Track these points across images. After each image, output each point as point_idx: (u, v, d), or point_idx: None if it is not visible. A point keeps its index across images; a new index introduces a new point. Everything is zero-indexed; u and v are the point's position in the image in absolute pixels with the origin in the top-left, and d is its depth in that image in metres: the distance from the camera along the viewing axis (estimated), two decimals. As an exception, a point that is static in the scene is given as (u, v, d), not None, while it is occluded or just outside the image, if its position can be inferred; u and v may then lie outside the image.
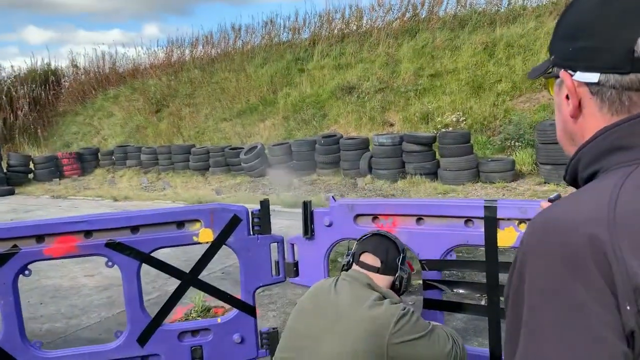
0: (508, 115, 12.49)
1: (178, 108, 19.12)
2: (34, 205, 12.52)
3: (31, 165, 16.93)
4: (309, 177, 13.06)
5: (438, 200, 2.54)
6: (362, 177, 12.06)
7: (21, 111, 21.89)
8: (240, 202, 10.55)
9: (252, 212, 2.96)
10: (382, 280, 2.04)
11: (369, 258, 2.08)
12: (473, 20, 15.84)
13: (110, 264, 2.86)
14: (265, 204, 2.96)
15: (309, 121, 15.83)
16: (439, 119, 13.02)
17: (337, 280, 2.05)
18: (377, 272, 2.04)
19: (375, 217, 2.72)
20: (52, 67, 24.66)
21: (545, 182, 9.98)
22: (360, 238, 2.18)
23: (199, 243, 2.90)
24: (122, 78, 22.80)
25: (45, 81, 23.55)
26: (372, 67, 16.14)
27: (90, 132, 21.19)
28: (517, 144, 11.49)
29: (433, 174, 11.16)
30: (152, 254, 2.88)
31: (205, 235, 2.89)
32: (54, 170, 16.78)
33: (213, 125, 17.81)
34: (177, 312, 5.08)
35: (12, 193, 14.74)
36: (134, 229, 2.83)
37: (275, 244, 3.00)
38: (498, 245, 2.40)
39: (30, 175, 16.77)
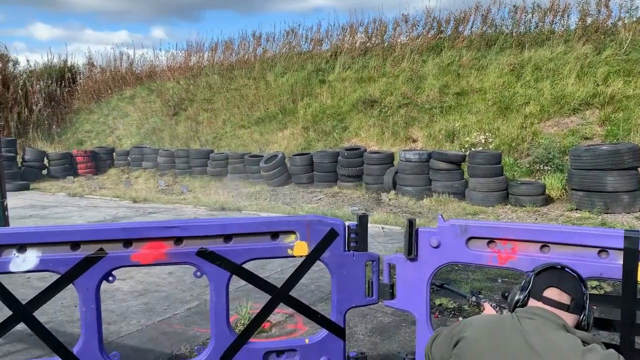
0: (536, 138, 12.34)
1: (196, 112, 18.98)
2: (51, 202, 12.32)
3: (45, 162, 16.76)
4: (330, 190, 12.87)
5: (566, 226, 2.34)
6: (385, 192, 11.87)
7: (36, 106, 21.76)
8: (262, 211, 10.38)
9: (349, 227, 2.77)
10: (571, 320, 1.83)
11: (555, 294, 1.85)
12: (500, 40, 15.75)
13: (198, 273, 2.66)
14: (364, 219, 2.77)
15: (329, 133, 15.69)
16: (466, 138, 12.86)
17: (518, 318, 1.82)
18: (567, 310, 1.83)
19: (491, 240, 2.53)
20: (69, 64, 24.59)
21: (577, 209, 9.79)
22: (537, 271, 1.95)
23: (293, 256, 2.71)
24: (138, 79, 22.70)
25: (61, 78, 23.46)
26: (395, 82, 16.03)
27: (105, 131, 21.03)
28: (546, 167, 11.32)
29: (460, 194, 10.97)
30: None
31: (300, 248, 2.70)
32: (68, 167, 16.62)
33: (231, 131, 17.66)
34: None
35: (27, 188, 14.55)
36: (227, 237, 2.64)
37: (371, 262, 2.81)
38: (639, 280, 2.21)
39: (44, 172, 16.58)
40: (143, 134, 19.44)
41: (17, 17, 55.03)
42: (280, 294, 2.74)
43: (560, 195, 10.66)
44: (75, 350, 2.54)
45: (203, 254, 2.61)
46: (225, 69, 20.62)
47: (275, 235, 2.69)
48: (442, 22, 17.76)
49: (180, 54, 22.93)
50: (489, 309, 2.40)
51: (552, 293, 1.86)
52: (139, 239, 2.56)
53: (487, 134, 12.76)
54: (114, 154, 17.80)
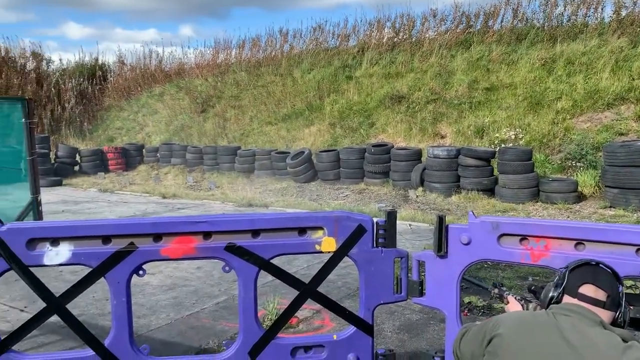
0: (568, 134, 12.06)
1: (223, 109, 19.13)
2: (82, 198, 12.59)
3: (77, 158, 17.12)
4: (356, 186, 12.82)
5: (603, 224, 2.26)
6: (413, 189, 11.77)
7: (68, 104, 22.25)
8: (289, 207, 10.41)
9: (377, 223, 2.74)
10: (607, 317, 1.78)
11: (591, 290, 1.81)
12: (531, 35, 15.43)
13: (227, 268, 2.67)
14: (392, 215, 2.74)
15: (355, 129, 15.62)
16: (496, 134, 12.64)
17: (553, 315, 1.79)
18: (603, 307, 1.79)
19: (524, 238, 2.47)
20: (100, 62, 25.08)
21: (610, 206, 9.53)
22: (571, 267, 1.91)
23: (321, 252, 2.70)
24: (167, 76, 22.99)
25: (92, 76, 23.95)
26: (423, 77, 15.86)
27: (134, 128, 21.38)
28: (578, 164, 11.05)
29: (490, 191, 10.80)
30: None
31: (328, 244, 2.69)
32: (99, 163, 16.95)
33: (258, 128, 17.75)
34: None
35: (59, 184, 14.90)
36: (255, 232, 2.64)
37: (399, 259, 2.78)
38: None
39: (76, 168, 16.95)
40: (172, 130, 19.69)
41: (50, 17, 56.39)
42: (308, 290, 2.73)
43: (594, 193, 10.40)
44: (106, 342, 2.58)
45: (231, 248, 2.61)
46: (253, 66, 20.73)
47: (303, 230, 2.68)
48: (472, 17, 17.50)
49: (208, 52, 23.16)
50: (513, 302, 2.36)
51: (587, 289, 1.82)
52: (169, 234, 2.58)
53: (517, 129, 12.52)
54: (143, 150, 18.07)
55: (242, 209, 10.73)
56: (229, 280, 5.91)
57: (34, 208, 8.73)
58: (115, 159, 17.27)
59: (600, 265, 1.88)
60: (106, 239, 2.54)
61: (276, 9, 62.27)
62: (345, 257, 2.72)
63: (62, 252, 2.50)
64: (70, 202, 11.94)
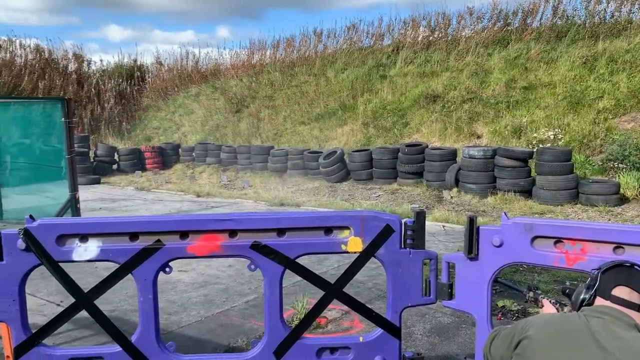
0: (610, 135, 11.64)
1: (257, 109, 19.27)
2: (119, 196, 12.87)
3: (116, 157, 17.53)
4: (389, 187, 12.70)
5: (644, 226, 2.14)
6: (447, 189, 11.57)
7: (107, 104, 22.83)
8: (321, 207, 10.38)
9: (405, 224, 2.68)
10: None
11: (624, 292, 1.75)
12: (572, 32, 14.98)
13: (253, 267, 2.66)
14: (421, 216, 2.67)
15: (389, 129, 15.48)
16: (534, 134, 12.32)
17: (585, 317, 1.72)
18: (638, 310, 1.72)
19: (558, 240, 2.37)
20: (138, 63, 25.64)
21: (655, 209, 9.16)
22: (603, 269, 1.84)
23: (347, 252, 2.66)
24: (203, 77, 23.31)
25: (131, 76, 24.51)
26: (459, 76, 15.60)
27: (171, 127, 21.76)
28: (621, 165, 10.66)
29: (527, 192, 10.52)
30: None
31: (354, 244, 2.64)
32: (136, 162, 17.30)
33: (291, 127, 17.80)
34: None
35: (98, 182, 15.27)
36: (281, 231, 2.62)
37: (428, 260, 2.71)
38: None
39: (115, 166, 17.35)
40: (207, 130, 19.96)
41: (93, 19, 58.00)
42: (333, 290, 2.69)
43: (637, 195, 10.00)
44: (133, 339, 2.60)
45: (257, 247, 2.60)
46: (287, 66, 20.81)
47: (329, 230, 2.64)
48: (509, 14, 17.12)
49: (243, 52, 23.38)
50: (547, 306, 2.27)
51: (621, 292, 1.75)
52: (195, 231, 2.58)
53: (556, 129, 12.17)
54: (179, 149, 18.36)
55: (274, 208, 10.76)
56: (260, 279, 5.86)
57: (72, 205, 8.97)
58: (152, 157, 17.60)
59: (636, 266, 1.80)
60: (133, 236, 2.56)
61: (311, 10, 62.43)
62: (375, 258, 2.67)
63: (91, 248, 2.53)
64: (108, 199, 12.22)
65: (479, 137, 13.82)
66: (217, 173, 15.83)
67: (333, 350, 2.71)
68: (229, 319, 4.91)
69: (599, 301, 1.78)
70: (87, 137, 18.17)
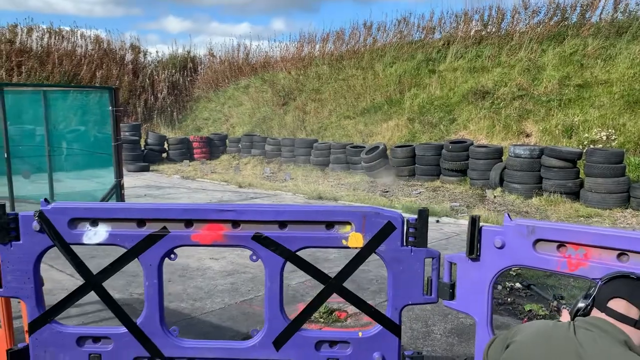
0: (669, 136, 11.02)
1: (304, 102, 19.37)
2: (165, 184, 13.28)
3: (165, 146, 18.07)
4: (431, 184, 12.51)
5: (651, 234, 2.04)
6: (491, 189, 11.29)
7: (160, 94, 23.54)
8: (358, 202, 10.35)
9: (407, 221, 2.65)
10: (637, 337, 1.62)
11: (621, 306, 1.66)
12: (633, 27, 14.22)
13: (254, 257, 2.70)
14: (424, 214, 2.63)
15: (435, 125, 15.23)
16: (585, 134, 11.82)
17: (574, 328, 1.66)
18: (634, 325, 1.62)
19: (561, 244, 2.28)
20: (191, 54, 26.28)
21: None
22: (605, 279, 1.77)
23: (348, 247, 2.65)
24: (253, 69, 23.64)
25: (184, 67, 25.16)
26: (510, 73, 15.13)
27: (220, 119, 22.21)
28: (678, 169, 10.08)
29: (574, 194, 10.12)
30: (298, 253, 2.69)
31: (355, 240, 2.63)
32: (185, 152, 17.78)
33: (336, 121, 17.80)
34: (298, 307, 4.94)
35: (147, 170, 15.81)
36: (282, 224, 2.64)
37: (431, 259, 2.67)
38: None
39: (164, 155, 17.89)
40: (254, 122, 20.25)
41: (153, 11, 59.88)
42: (333, 285, 2.70)
43: (695, 201, 9.44)
44: (138, 321, 2.70)
45: (258, 238, 2.63)
46: (335, 59, 20.79)
47: (330, 225, 2.64)
48: (567, 9, 16.43)
49: (293, 45, 23.53)
50: (565, 316, 2.20)
51: (617, 305, 1.66)
52: (200, 220, 2.64)
53: (610, 130, 11.62)
54: (226, 140, 18.74)
55: (311, 201, 10.82)
56: (286, 270, 5.98)
57: (117, 191, 9.34)
58: (200, 147, 18.04)
59: (639, 278, 1.70)
60: (141, 222, 2.64)
61: (366, 2, 61.93)
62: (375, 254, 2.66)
63: (100, 232, 2.64)
64: (154, 187, 12.63)
65: (528, 135, 13.39)
66: (261, 165, 16.06)
67: (332, 344, 2.72)
68: (251, 308, 5.01)
69: (595, 312, 1.71)
70: (139, 125, 18.81)
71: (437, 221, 8.78)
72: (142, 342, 2.68)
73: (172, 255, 2.70)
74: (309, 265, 2.72)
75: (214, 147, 18.40)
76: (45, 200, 2.64)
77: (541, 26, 16.40)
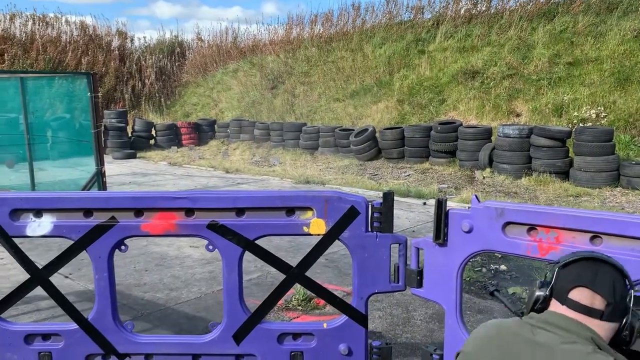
0: (660, 113, 10.87)
1: (293, 86, 19.11)
2: (151, 170, 13.08)
3: (153, 132, 17.81)
4: (420, 166, 12.36)
5: (624, 214, 1.88)
6: (480, 170, 11.15)
7: (148, 80, 23.17)
8: (346, 185, 10.20)
9: (372, 205, 2.49)
10: (604, 330, 1.42)
11: (585, 296, 1.43)
12: (624, 3, 13.99)
13: (211, 247, 2.56)
14: (389, 197, 2.47)
15: (425, 106, 15.03)
16: (575, 112, 11.66)
17: (531, 328, 1.45)
18: (600, 318, 1.41)
19: (532, 227, 2.14)
20: (180, 39, 25.86)
21: (703, 194, 8.52)
22: (563, 262, 1.50)
23: (309, 234, 2.50)
24: (242, 53, 23.28)
25: (172, 52, 24.75)
26: (500, 52, 14.91)
27: (209, 104, 21.91)
28: (669, 146, 9.97)
29: (564, 174, 10.00)
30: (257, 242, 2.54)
31: (317, 226, 2.48)
32: (173, 138, 17.53)
33: (325, 104, 17.56)
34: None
35: (134, 157, 15.58)
36: (240, 211, 2.49)
37: (397, 245, 2.52)
38: None
39: (152, 142, 17.64)
40: (243, 107, 19.98)
41: (142, -4, 58.92)
42: (294, 274, 2.56)
43: (685, 179, 9.33)
44: (89, 317, 2.55)
45: (214, 227, 2.49)
46: (324, 41, 20.46)
47: (290, 210, 2.49)
48: (558, -15, 16.13)
49: (282, 28, 23.17)
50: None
51: (580, 295, 1.43)
52: (150, 209, 2.49)
53: (599, 108, 11.46)
54: (215, 126, 18.48)
55: (298, 185, 10.66)
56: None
57: (99, 179, 9.14)
58: (188, 133, 17.78)
59: (604, 260, 1.46)
60: (88, 212, 2.49)
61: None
62: (339, 241, 2.51)
63: (44, 223, 2.48)
64: (139, 174, 12.43)
65: (518, 115, 13.22)
66: (250, 150, 15.85)
67: (296, 336, 2.59)
68: (229, 297, 4.86)
69: (554, 305, 1.48)
70: (126, 112, 18.51)
71: (424, 203, 8.66)
72: (94, 339, 2.54)
73: (123, 247, 2.55)
74: (268, 253, 2.57)
75: (203, 133, 18.15)
76: (-16, 190, 2.47)
77: (531, 4, 16.14)
